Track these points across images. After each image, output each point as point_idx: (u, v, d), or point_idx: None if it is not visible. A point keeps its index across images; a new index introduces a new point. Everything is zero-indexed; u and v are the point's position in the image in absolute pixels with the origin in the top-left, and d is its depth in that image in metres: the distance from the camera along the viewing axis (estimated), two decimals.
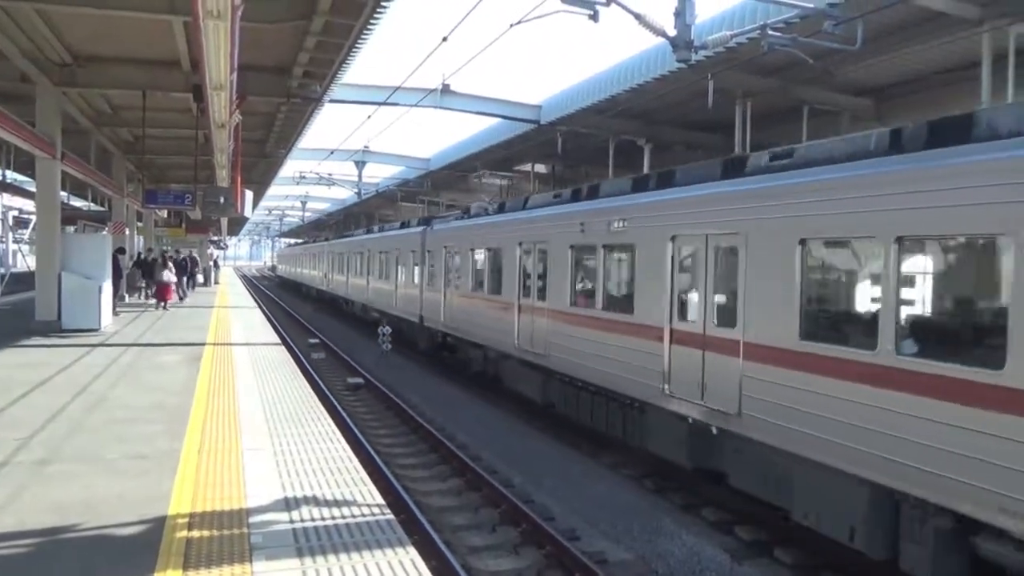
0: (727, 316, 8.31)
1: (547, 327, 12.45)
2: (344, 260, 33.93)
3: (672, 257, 9.28)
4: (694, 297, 8.95)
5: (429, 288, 19.73)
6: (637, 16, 10.36)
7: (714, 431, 8.43)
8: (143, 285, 26.38)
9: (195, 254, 39.84)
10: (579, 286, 11.86)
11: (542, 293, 12.85)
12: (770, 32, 11.11)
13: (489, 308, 15.17)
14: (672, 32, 10.64)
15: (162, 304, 23.67)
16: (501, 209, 16.50)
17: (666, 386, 9.17)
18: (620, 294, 10.80)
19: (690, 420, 8.82)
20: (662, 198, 9.80)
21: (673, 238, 9.27)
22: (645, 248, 9.86)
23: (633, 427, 10.26)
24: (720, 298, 8.53)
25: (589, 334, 11.11)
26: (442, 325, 18.48)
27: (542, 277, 12.96)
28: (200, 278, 38.62)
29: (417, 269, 21.06)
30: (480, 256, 16.15)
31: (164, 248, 37.33)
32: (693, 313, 8.91)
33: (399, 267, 23.47)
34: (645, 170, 19.28)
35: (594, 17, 10.89)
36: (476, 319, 16.01)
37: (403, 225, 26.15)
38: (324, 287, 40.20)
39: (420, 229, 21.29)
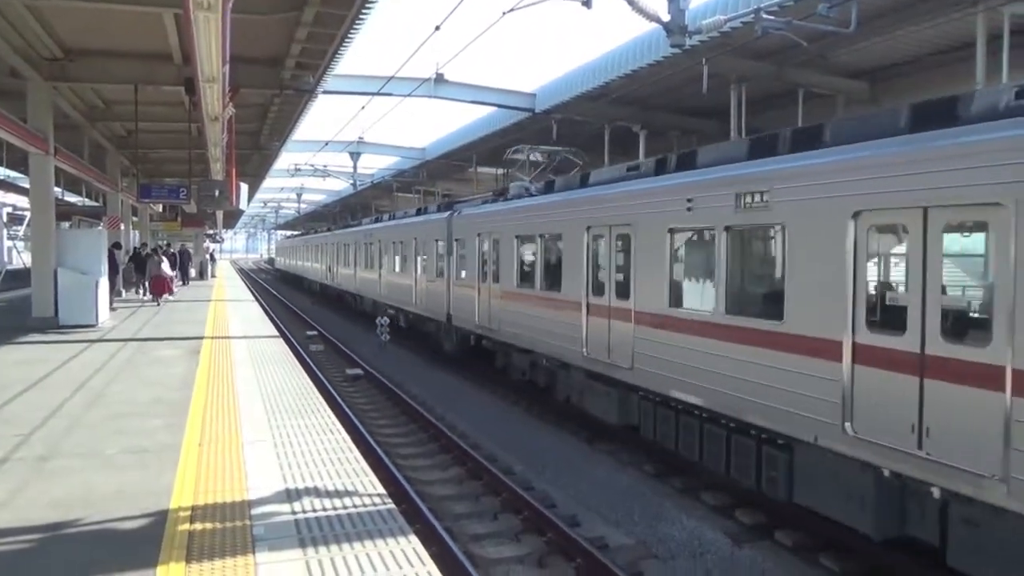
0: (974, 329, 6.00)
1: (632, 333, 9.98)
2: (352, 252, 30.88)
3: (854, 241, 6.68)
4: (903, 299, 6.42)
5: (458, 283, 17.19)
6: (630, 1, 10.33)
7: (935, 494, 6.04)
8: (135, 280, 26.34)
9: (188, 247, 39.69)
10: (683, 282, 9.50)
11: (623, 290, 10.31)
12: (764, 16, 11.09)
13: (543, 307, 12.66)
14: (666, 17, 10.63)
15: (158, 299, 23.61)
16: (549, 189, 13.94)
17: (848, 424, 6.64)
18: (758, 294, 8.45)
19: (886, 473, 6.44)
20: (834, 161, 7.02)
21: (856, 215, 6.65)
22: (803, 230, 7.27)
23: (776, 472, 7.69)
24: (957, 301, 6.31)
25: (704, 345, 8.55)
26: (475, 326, 15.97)
27: (623, 270, 10.45)
28: (193, 272, 38.51)
29: (443, 261, 18.31)
30: (529, 245, 13.48)
31: (159, 242, 37.25)
32: (902, 323, 6.31)
33: (419, 259, 20.67)
34: (641, 157, 19.23)
35: (587, 3, 10.88)
36: (523, 320, 13.47)
37: (420, 211, 23.55)
38: (328, 281, 37.67)
39: (445, 215, 18.59)
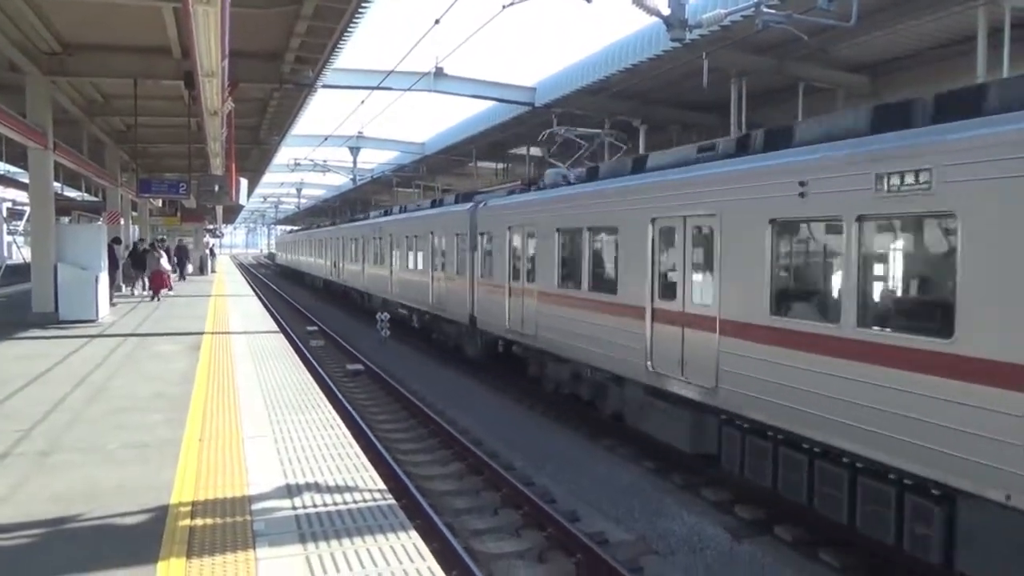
0: None
1: (717, 347, 8.33)
2: (360, 247, 29.12)
3: None
4: None
5: (484, 282, 15.66)
6: None
7: None
8: (133, 275, 26.32)
9: (187, 243, 39.65)
10: (793, 285, 7.78)
11: (703, 293, 8.78)
12: (764, 9, 11.05)
13: (592, 312, 11.01)
14: (666, 11, 10.60)
15: (157, 295, 23.55)
16: (592, 176, 12.26)
17: None
18: (911, 302, 6.71)
19: None
20: None
21: None
22: (989, 219, 5.50)
23: (929, 530, 6.02)
24: None
25: (826, 365, 6.87)
26: (505, 330, 14.40)
27: (703, 269, 8.79)
28: (190, 267, 38.48)
29: (465, 257, 16.75)
30: (576, 240, 11.78)
31: (157, 236, 37.23)
32: None
33: (436, 255, 18.97)
34: (641, 151, 19.19)
35: None
36: (566, 326, 11.87)
37: (435, 203, 21.83)
38: (333, 277, 35.94)
39: (467, 207, 17.06)
